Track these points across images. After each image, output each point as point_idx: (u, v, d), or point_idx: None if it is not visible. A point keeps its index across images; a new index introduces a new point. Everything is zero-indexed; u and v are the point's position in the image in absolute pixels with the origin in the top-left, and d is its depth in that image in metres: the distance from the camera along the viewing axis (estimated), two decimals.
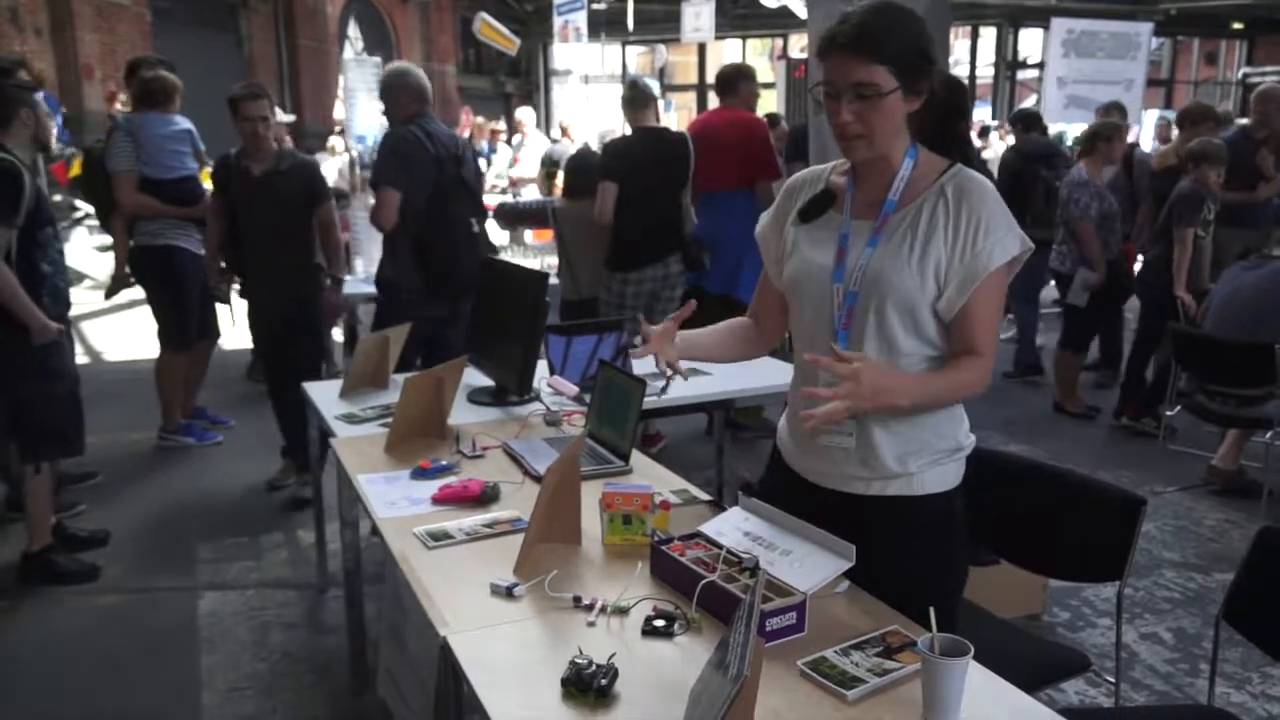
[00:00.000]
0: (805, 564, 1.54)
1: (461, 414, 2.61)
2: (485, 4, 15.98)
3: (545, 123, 17.77)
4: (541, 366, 2.81)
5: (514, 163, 9.83)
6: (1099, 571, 2.07)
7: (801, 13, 10.47)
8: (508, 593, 1.59)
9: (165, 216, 4.52)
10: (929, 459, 1.63)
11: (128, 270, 4.65)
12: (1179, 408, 4.29)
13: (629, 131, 4.60)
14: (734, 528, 1.69)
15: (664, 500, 1.86)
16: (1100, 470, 4.40)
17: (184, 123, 4.65)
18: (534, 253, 5.45)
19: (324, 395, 2.88)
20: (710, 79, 19.76)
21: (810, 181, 1.75)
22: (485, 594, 1.61)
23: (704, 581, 1.52)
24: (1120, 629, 2.03)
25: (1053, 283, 5.86)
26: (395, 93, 3.91)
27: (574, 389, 2.77)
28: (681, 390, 2.97)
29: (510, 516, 1.93)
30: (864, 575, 1.59)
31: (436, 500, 2.02)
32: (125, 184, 4.43)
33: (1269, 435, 3.81)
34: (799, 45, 18.64)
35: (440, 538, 1.83)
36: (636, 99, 4.49)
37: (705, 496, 2.06)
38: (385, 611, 2.09)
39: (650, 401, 2.79)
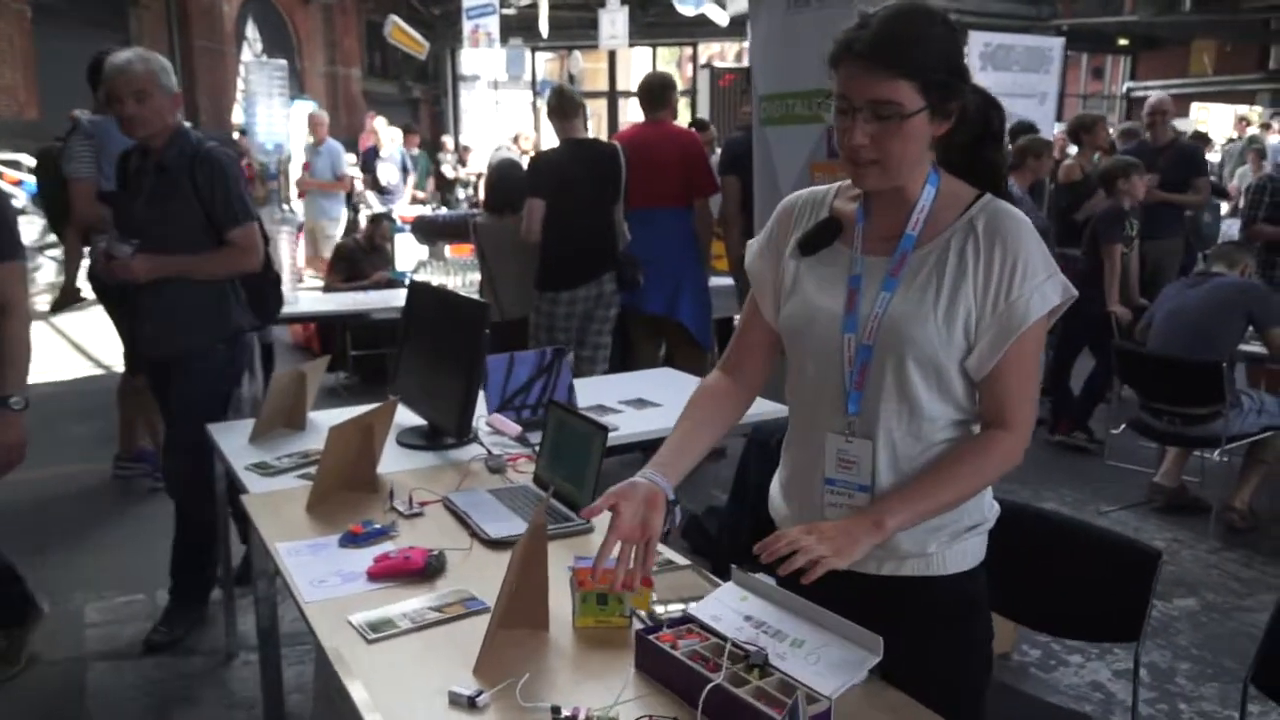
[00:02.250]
0: (823, 659, 1.32)
1: (391, 460, 2.32)
2: (393, 7, 15.50)
3: (454, 128, 17.37)
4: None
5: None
6: (1110, 631, 1.91)
7: (721, 20, 10.35)
8: (470, 703, 1.33)
9: None
10: (949, 536, 1.42)
11: (78, 286, 4.24)
12: (1124, 427, 4.24)
13: (556, 142, 4.35)
14: (731, 610, 1.46)
15: (646, 578, 1.62)
16: (1044, 490, 4.33)
17: None
18: (454, 269, 5.15)
19: (231, 440, 2.56)
20: (621, 86, 19.67)
21: (811, 206, 1.53)
22: (442, 704, 1.34)
23: (710, 685, 1.29)
24: (1137, 699, 1.86)
25: None
26: None
27: (516, 428, 2.51)
28: (630, 426, 2.76)
29: (461, 595, 1.66)
30: (877, 664, 1.39)
31: (373, 575, 1.73)
32: (82, 192, 3.96)
33: (1216, 453, 3.76)
34: (708, 53, 18.65)
35: (382, 628, 1.55)
36: (565, 107, 4.23)
37: (684, 561, 1.83)
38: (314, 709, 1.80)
39: None
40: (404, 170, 9.76)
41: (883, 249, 1.41)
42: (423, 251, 5.89)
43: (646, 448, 2.91)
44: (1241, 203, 6.40)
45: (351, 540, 1.88)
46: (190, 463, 2.88)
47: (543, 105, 12.42)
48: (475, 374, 2.37)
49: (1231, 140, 13.32)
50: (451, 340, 2.44)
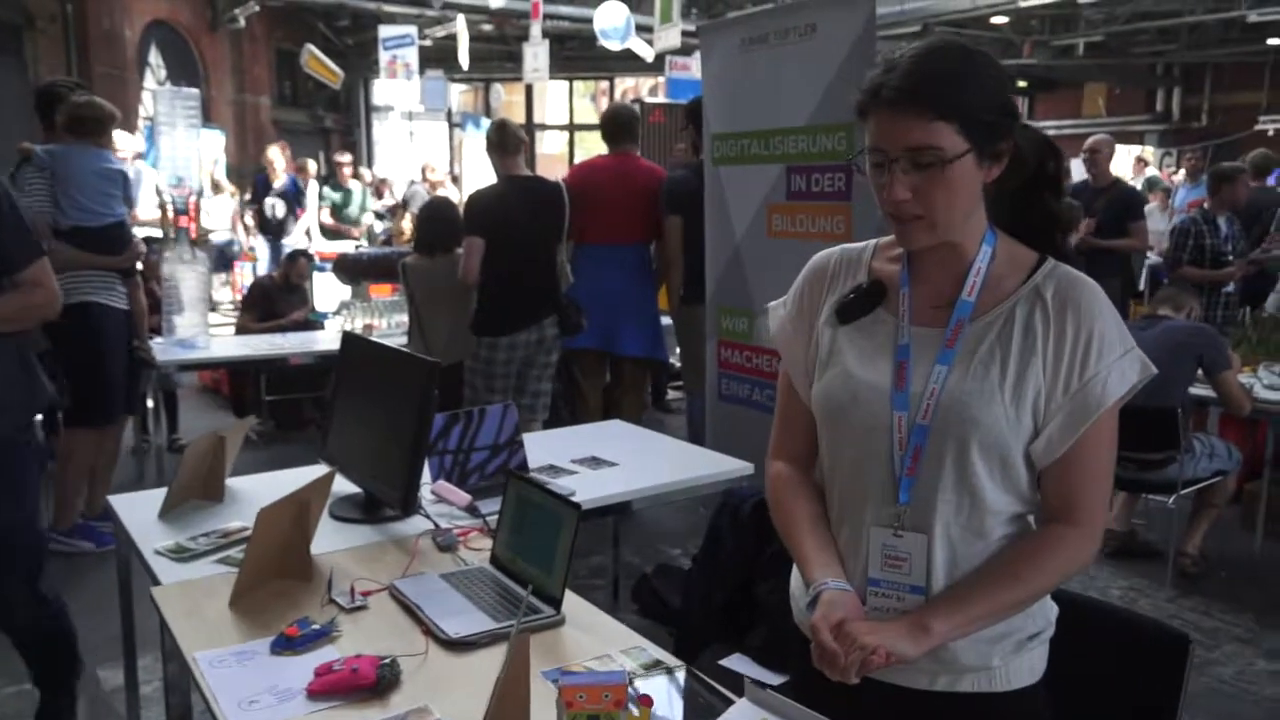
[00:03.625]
0: None
1: (324, 536, 2.05)
2: (306, 35, 15.09)
3: (368, 158, 16.96)
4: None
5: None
6: None
7: (647, 55, 10.28)
8: None
9: (83, 267, 3.75)
10: (1013, 647, 1.25)
11: None
12: None
13: (494, 179, 4.12)
14: None
15: (644, 695, 1.39)
16: None
17: (116, 161, 3.91)
18: (380, 310, 4.86)
19: (137, 515, 2.25)
20: (538, 119, 19.53)
21: (846, 266, 1.36)
22: None
23: None
24: None
25: None
26: None
27: (465, 497, 2.26)
28: (588, 489, 2.54)
29: (423, 715, 1.41)
30: None
31: (314, 692, 1.47)
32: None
33: (1171, 499, 3.72)
34: (623, 87, 18.66)
35: None
36: (506, 142, 4.02)
37: (675, 661, 1.61)
38: None
39: None
40: (292, 202, 8.81)
41: (933, 317, 1.25)
42: (345, 291, 5.57)
43: (609, 513, 2.69)
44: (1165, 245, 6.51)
45: (286, 644, 1.61)
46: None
47: (461, 137, 11.98)
48: (422, 441, 2.12)
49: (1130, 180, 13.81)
50: (394, 401, 2.18)
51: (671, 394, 6.74)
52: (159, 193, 5.49)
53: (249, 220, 9.29)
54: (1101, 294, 1.21)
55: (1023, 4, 11.97)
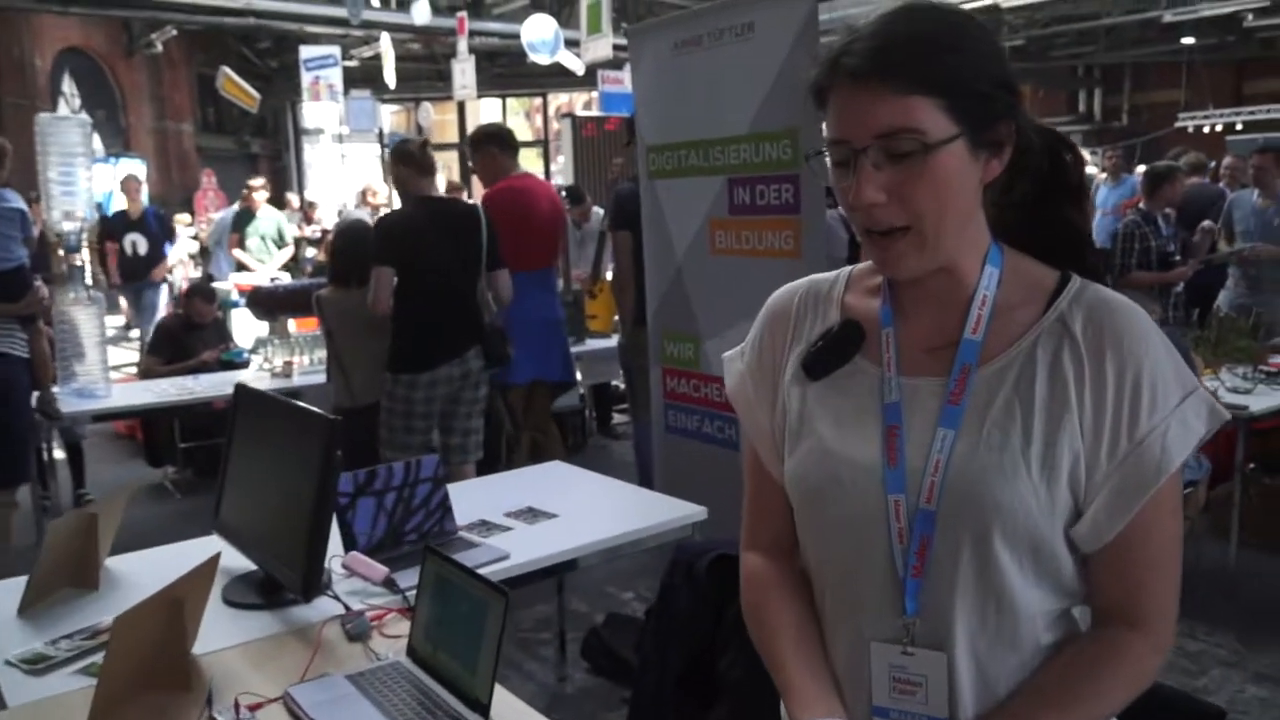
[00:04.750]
0: None
1: (214, 627, 1.75)
2: (225, 58, 14.60)
3: (298, 183, 16.49)
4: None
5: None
6: None
7: (577, 69, 10.05)
8: None
9: None
10: None
11: None
12: None
13: (402, 203, 3.83)
14: None
15: None
16: None
17: (15, 200, 3.63)
18: (301, 346, 4.53)
19: None
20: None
21: (812, 303, 1.09)
22: None
23: None
24: None
25: None
26: None
27: (381, 570, 1.97)
28: (525, 549, 2.26)
29: None
30: None
31: None
32: None
33: None
34: (556, 103, 18.43)
35: None
36: (426, 162, 3.71)
37: None
38: None
39: (486, 574, 2.06)
40: (160, 236, 7.89)
41: (929, 364, 0.98)
42: (262, 327, 5.21)
43: (550, 574, 2.41)
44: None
45: None
46: None
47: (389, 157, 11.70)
48: (324, 513, 1.82)
49: None
50: (292, 466, 1.88)
51: (617, 418, 6.49)
52: (47, 229, 5.07)
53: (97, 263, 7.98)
54: (1146, 319, 0.95)
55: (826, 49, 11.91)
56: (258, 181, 8.23)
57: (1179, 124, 15.21)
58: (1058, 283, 0.99)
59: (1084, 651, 0.96)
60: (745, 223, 2.86)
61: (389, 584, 1.94)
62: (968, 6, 12.05)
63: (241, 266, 7.76)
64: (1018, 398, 0.94)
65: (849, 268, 1.12)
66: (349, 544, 2.10)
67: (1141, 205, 5.47)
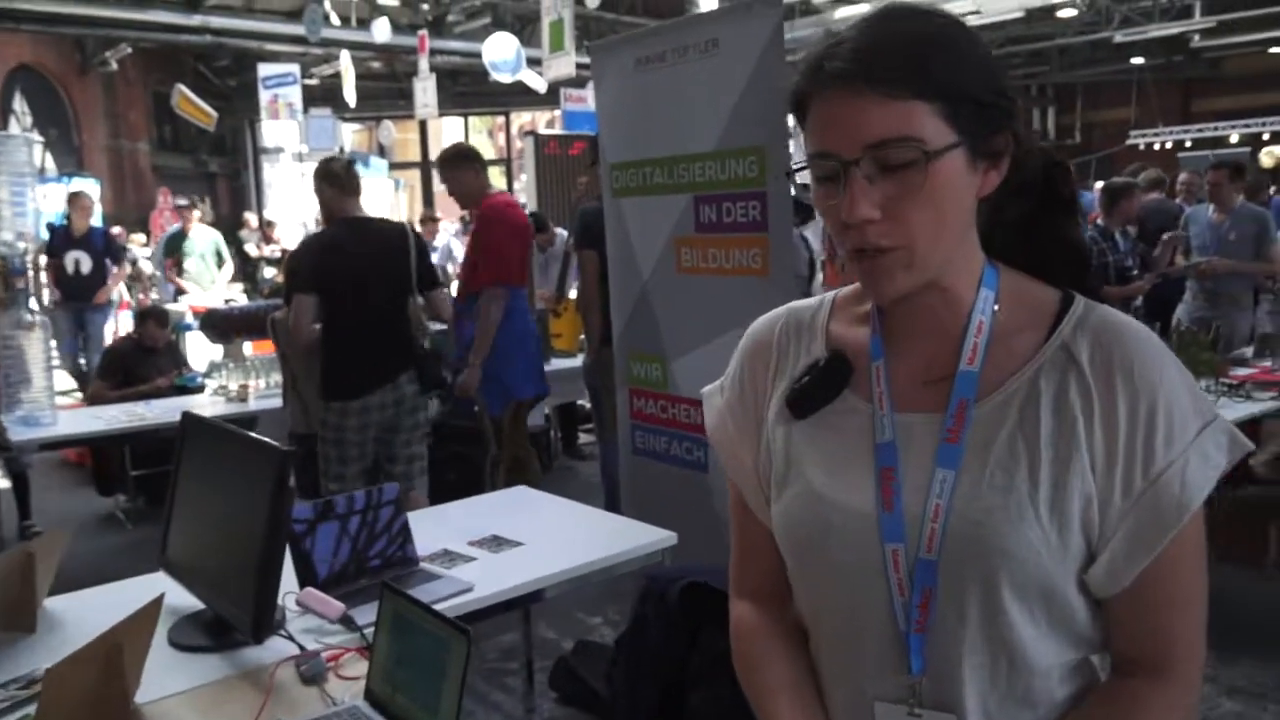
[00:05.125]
0: None
1: (159, 671, 1.65)
2: (181, 76, 14.40)
3: (257, 202, 16.27)
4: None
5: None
6: None
7: (539, 87, 10.00)
8: None
9: None
10: None
11: None
12: None
13: (325, 225, 3.74)
14: None
15: None
16: None
17: None
18: (257, 370, 4.41)
19: None
20: (434, 156, 19.10)
21: (795, 334, 1.02)
22: None
23: None
24: None
25: None
26: None
27: (338, 607, 1.88)
28: (489, 580, 2.18)
29: None
30: None
31: None
32: None
33: None
34: (519, 121, 18.38)
35: None
36: (352, 181, 3.58)
37: None
38: None
39: (449, 607, 1.98)
40: (105, 255, 7.44)
41: (923, 399, 0.92)
42: (217, 351, 5.07)
43: (515, 606, 2.34)
44: None
45: None
46: None
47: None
48: (276, 549, 1.73)
49: None
50: (242, 499, 1.79)
51: (583, 438, 6.42)
52: None
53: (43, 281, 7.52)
54: (1158, 344, 0.88)
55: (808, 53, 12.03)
56: (188, 201, 8.00)
57: (1130, 141, 15.51)
58: (1059, 305, 0.92)
59: (1106, 705, 0.89)
60: (712, 241, 2.81)
61: (346, 621, 1.85)
62: None
63: (181, 291, 7.51)
64: (1021, 434, 0.86)
65: (832, 293, 1.05)
66: (304, 579, 2.01)
67: (1099, 221, 5.52)
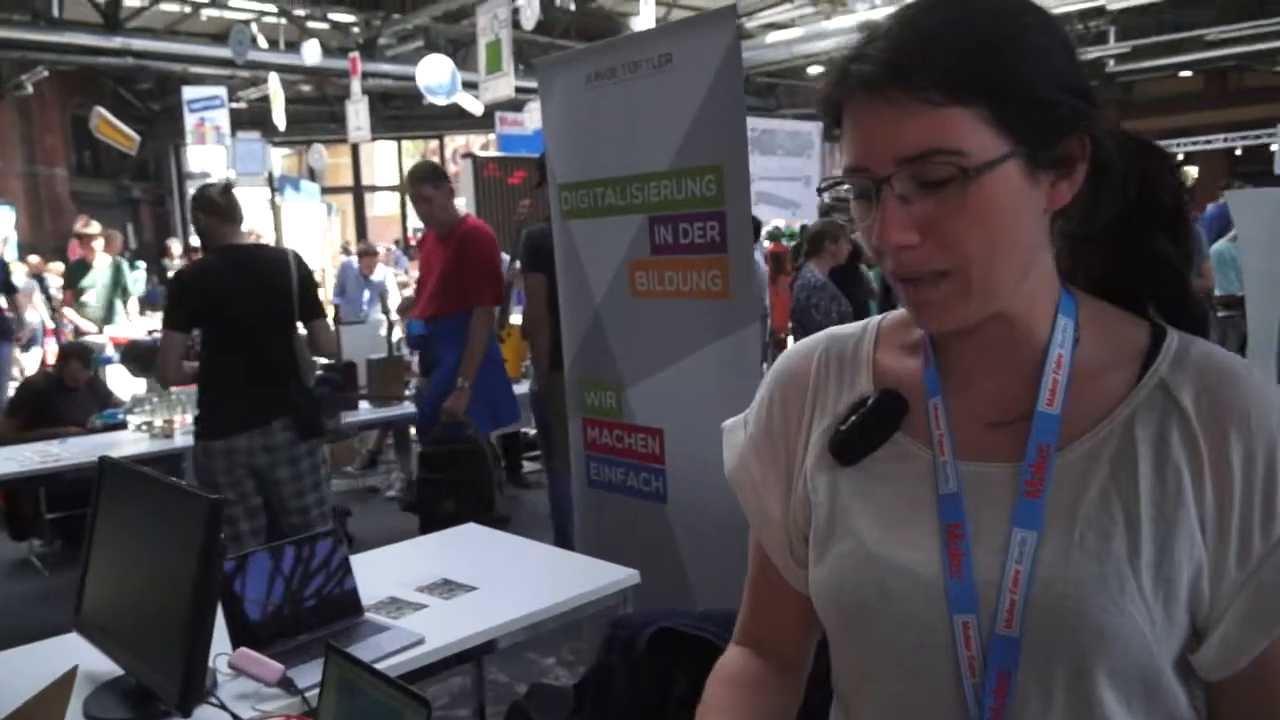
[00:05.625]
0: None
1: None
2: (101, 99, 13.92)
3: (182, 230, 15.80)
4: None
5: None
6: None
7: (475, 109, 9.86)
8: None
9: None
10: None
11: None
12: None
13: (203, 254, 3.47)
14: None
15: None
16: None
17: None
18: (183, 405, 4.16)
19: None
20: (366, 180, 18.81)
21: (836, 365, 0.90)
22: None
23: None
24: None
25: None
26: None
27: (276, 669, 1.71)
28: (441, 629, 2.02)
29: None
30: None
31: None
32: None
33: None
34: (453, 145, 18.19)
35: None
36: (233, 208, 3.35)
37: None
38: None
39: (400, 663, 1.82)
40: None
41: (992, 445, 0.79)
42: (140, 384, 4.81)
43: (470, 658, 2.18)
44: None
45: None
46: None
47: (281, 201, 11.16)
48: (207, 607, 1.56)
49: None
50: (168, 552, 1.62)
51: (528, 465, 6.25)
52: None
53: None
54: (1271, 384, 0.76)
55: (836, 54, 12.21)
56: (93, 229, 7.40)
57: None
58: (1150, 338, 0.79)
59: None
60: (668, 263, 2.69)
61: (285, 684, 1.69)
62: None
63: (80, 331, 6.91)
64: (1116, 490, 0.74)
65: (876, 318, 0.93)
66: (238, 636, 1.83)
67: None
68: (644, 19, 9.62)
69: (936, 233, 0.72)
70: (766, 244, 8.17)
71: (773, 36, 11.77)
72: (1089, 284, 0.84)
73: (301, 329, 3.43)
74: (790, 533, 0.89)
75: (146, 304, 9.48)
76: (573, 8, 9.73)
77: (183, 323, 3.25)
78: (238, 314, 3.23)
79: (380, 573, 2.30)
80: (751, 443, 0.93)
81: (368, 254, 8.56)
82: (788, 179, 7.88)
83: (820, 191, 0.83)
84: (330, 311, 8.53)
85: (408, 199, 4.05)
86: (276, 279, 3.32)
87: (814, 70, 14.84)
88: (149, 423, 4.21)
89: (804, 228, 6.96)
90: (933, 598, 0.76)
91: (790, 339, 5.15)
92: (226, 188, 3.47)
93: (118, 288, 7.21)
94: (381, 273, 8.62)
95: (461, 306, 3.88)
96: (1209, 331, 0.82)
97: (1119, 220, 0.83)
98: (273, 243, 10.16)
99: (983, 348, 0.80)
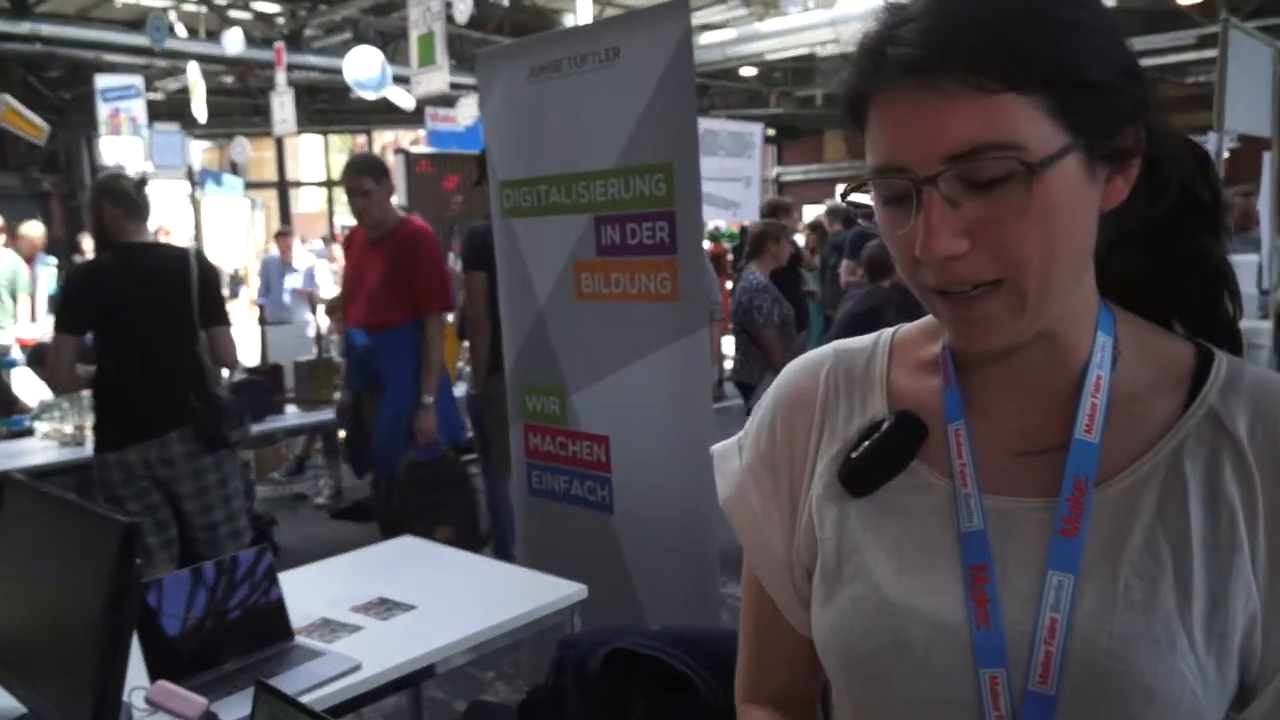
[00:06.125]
0: None
1: None
2: (9, 87, 13.29)
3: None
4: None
5: None
6: None
7: (407, 104, 9.63)
8: None
9: None
10: None
11: None
12: None
13: (97, 252, 3.24)
14: None
15: None
16: None
17: None
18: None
19: None
20: (291, 175, 18.33)
21: (845, 382, 0.81)
22: None
23: None
24: None
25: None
26: None
27: (199, 704, 1.57)
28: (380, 654, 1.90)
29: None
30: None
31: None
32: None
33: None
34: (382, 141, 17.83)
35: None
36: (137, 201, 3.12)
37: None
38: None
39: (335, 691, 1.71)
40: None
41: (1021, 476, 0.71)
42: (46, 389, 4.53)
43: (407, 685, 2.05)
44: None
45: None
46: None
47: (201, 196, 10.72)
48: (120, 636, 1.42)
49: None
50: (77, 580, 1.47)
51: None
52: None
53: None
54: None
55: (769, 57, 12.27)
56: None
57: None
58: (1195, 359, 0.72)
59: None
60: (615, 264, 2.60)
61: (208, 718, 1.55)
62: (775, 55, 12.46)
63: None
64: (1163, 531, 0.66)
65: (889, 331, 0.84)
66: (156, 668, 1.69)
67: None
68: (581, 16, 9.51)
69: (989, 238, 0.64)
70: (707, 244, 8.14)
71: (706, 38, 11.74)
72: (1120, 290, 0.76)
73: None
74: (793, 571, 0.81)
75: (55, 303, 8.99)
76: (506, 3, 9.55)
77: (73, 325, 3.04)
78: (129, 317, 3.03)
79: (312, 591, 2.17)
80: (749, 471, 0.84)
81: (283, 235, 8.20)
82: (729, 179, 7.82)
83: (843, 197, 0.73)
84: (255, 313, 8.25)
85: (339, 193, 3.81)
86: (175, 280, 3.10)
87: (747, 72, 14.94)
88: (58, 430, 3.97)
89: (744, 229, 6.97)
90: (956, 649, 0.68)
91: (731, 340, 5.09)
92: (141, 183, 3.25)
93: (13, 285, 6.71)
94: (307, 260, 8.31)
95: (411, 315, 3.61)
96: (1240, 344, 0.76)
97: (1160, 217, 0.75)
98: (194, 239, 9.80)
99: (1012, 367, 0.72)
